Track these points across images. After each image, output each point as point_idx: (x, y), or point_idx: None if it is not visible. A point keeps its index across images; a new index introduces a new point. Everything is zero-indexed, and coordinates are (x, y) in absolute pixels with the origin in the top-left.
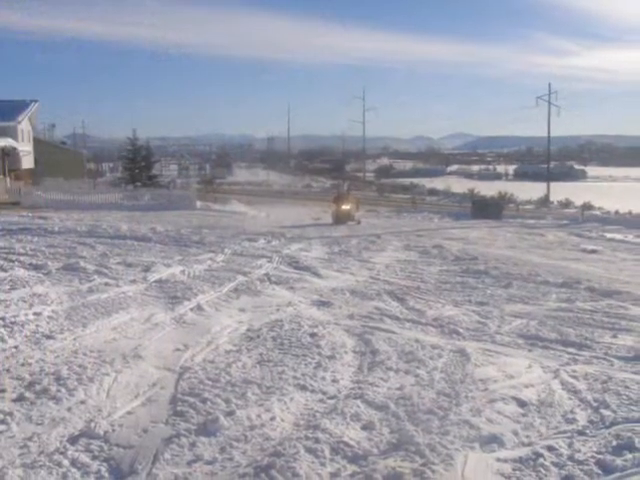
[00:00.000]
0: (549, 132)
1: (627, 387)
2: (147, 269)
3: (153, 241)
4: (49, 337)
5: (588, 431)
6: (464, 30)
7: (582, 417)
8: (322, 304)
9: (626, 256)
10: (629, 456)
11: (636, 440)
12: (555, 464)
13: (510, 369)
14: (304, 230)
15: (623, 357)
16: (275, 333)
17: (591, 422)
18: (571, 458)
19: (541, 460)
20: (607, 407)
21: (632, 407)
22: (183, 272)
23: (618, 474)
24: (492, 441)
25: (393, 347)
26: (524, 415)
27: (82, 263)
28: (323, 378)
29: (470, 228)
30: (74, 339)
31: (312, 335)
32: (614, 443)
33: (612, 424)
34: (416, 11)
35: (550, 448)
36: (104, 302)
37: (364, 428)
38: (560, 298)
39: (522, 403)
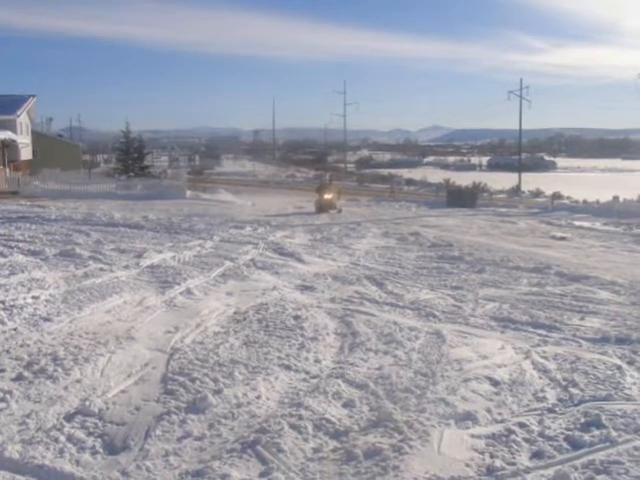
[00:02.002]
0: (520, 125)
1: (594, 367)
2: (139, 255)
3: (145, 229)
4: (46, 319)
5: (557, 409)
6: (442, 29)
7: (552, 395)
8: (305, 288)
9: (593, 243)
10: (596, 432)
11: (603, 417)
12: (526, 440)
13: (483, 350)
14: (288, 218)
15: (591, 339)
16: (261, 316)
17: (560, 400)
18: (541, 434)
19: (513, 436)
20: (575, 386)
21: (599, 386)
22: (173, 258)
23: (586, 449)
24: (466, 418)
25: (373, 329)
26: (497, 394)
27: (78, 249)
28: (306, 358)
29: (445, 216)
30: (70, 321)
31: (296, 318)
32: (582, 420)
33: (580, 402)
34: (397, 11)
35: (521, 425)
36: (98, 286)
37: (345, 406)
38: (531, 282)
39: (495, 382)
